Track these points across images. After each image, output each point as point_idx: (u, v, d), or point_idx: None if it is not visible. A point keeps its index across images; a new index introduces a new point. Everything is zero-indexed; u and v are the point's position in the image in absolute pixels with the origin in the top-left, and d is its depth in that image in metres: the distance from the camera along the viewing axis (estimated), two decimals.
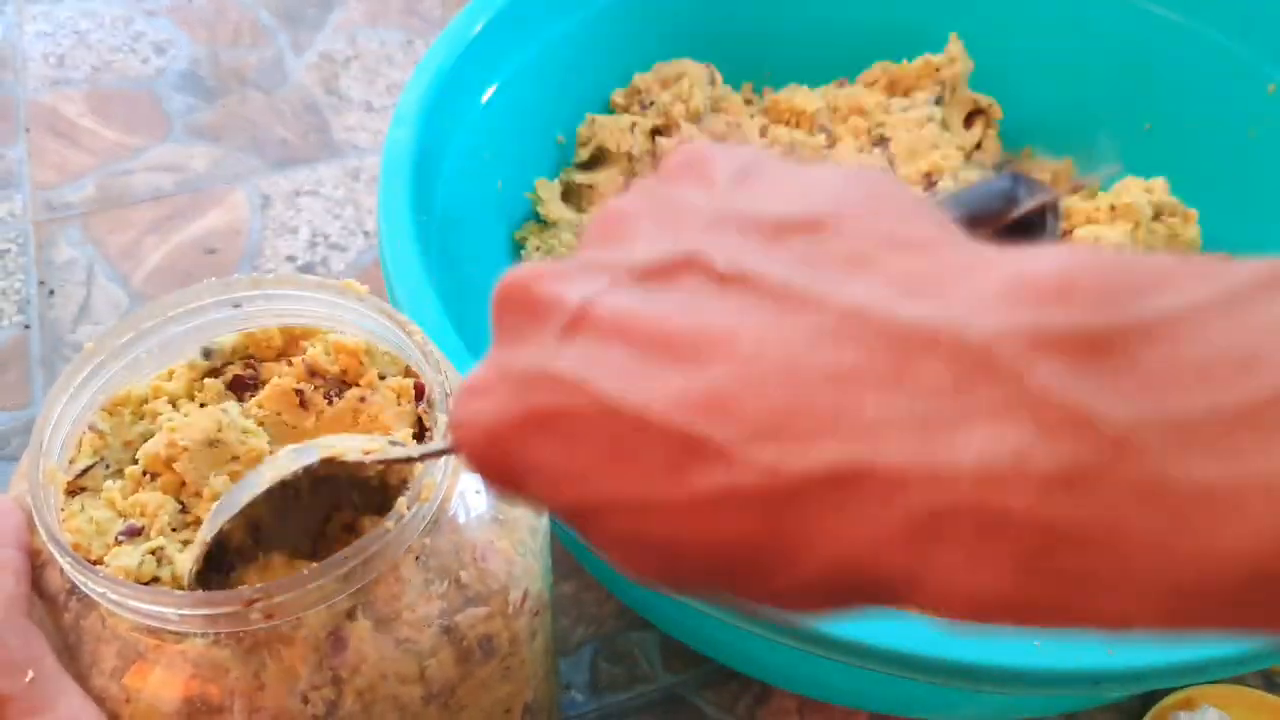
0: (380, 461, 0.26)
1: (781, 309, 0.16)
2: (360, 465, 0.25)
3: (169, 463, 0.27)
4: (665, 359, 0.16)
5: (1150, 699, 0.43)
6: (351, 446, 0.26)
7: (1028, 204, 0.20)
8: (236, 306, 0.30)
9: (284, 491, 0.26)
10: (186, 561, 0.26)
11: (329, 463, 0.25)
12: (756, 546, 0.15)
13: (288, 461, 0.25)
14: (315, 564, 0.24)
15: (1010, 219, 0.19)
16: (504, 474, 0.18)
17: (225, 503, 0.25)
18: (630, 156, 0.58)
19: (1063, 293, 0.14)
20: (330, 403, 0.29)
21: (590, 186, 0.59)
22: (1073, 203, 0.57)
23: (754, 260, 0.17)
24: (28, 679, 0.24)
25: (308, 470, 0.25)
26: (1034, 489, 0.13)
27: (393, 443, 0.27)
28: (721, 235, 0.17)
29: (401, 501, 0.25)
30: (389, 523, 0.24)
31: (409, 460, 0.26)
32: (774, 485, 0.15)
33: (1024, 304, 0.14)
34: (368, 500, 0.28)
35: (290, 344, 0.31)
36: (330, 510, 0.28)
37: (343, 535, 0.28)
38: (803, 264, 0.16)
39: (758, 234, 0.17)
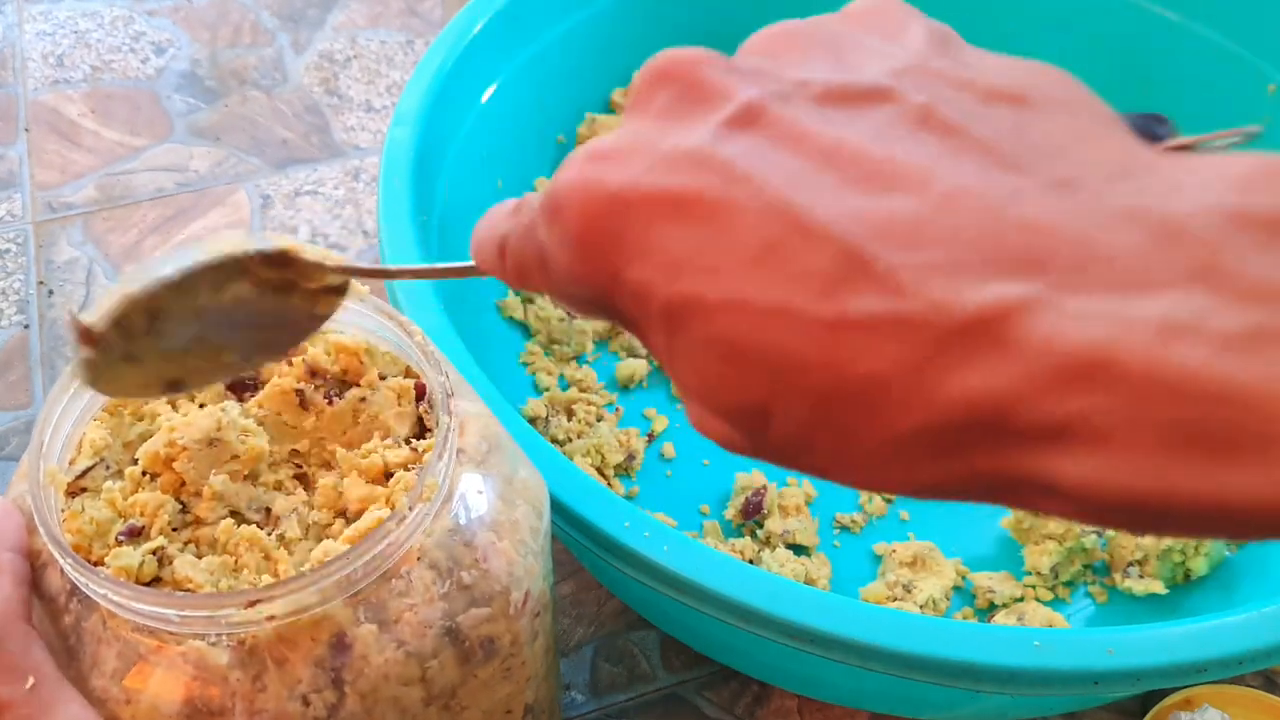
0: (346, 270, 0.23)
1: (986, 164, 0.15)
2: (319, 268, 0.23)
3: (168, 462, 0.27)
4: (843, 177, 0.15)
5: (1150, 699, 0.43)
6: (311, 248, 0.23)
7: (1175, 139, 0.20)
8: None
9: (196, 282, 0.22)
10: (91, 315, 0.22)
11: (283, 255, 0.23)
12: (889, 378, 0.14)
13: (240, 241, 0.23)
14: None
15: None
16: (605, 247, 0.17)
17: (151, 269, 0.22)
18: None
19: (1267, 179, 0.14)
20: (330, 403, 0.29)
21: None
22: None
23: (960, 113, 0.16)
24: (28, 685, 0.23)
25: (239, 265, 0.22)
26: (1213, 343, 0.13)
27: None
28: (920, 82, 0.16)
29: (404, 503, 0.25)
30: (391, 524, 0.24)
31: (373, 275, 0.24)
32: (938, 319, 0.14)
33: (1226, 189, 0.14)
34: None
35: None
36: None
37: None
38: (1011, 131, 0.15)
39: (966, 92, 0.16)
